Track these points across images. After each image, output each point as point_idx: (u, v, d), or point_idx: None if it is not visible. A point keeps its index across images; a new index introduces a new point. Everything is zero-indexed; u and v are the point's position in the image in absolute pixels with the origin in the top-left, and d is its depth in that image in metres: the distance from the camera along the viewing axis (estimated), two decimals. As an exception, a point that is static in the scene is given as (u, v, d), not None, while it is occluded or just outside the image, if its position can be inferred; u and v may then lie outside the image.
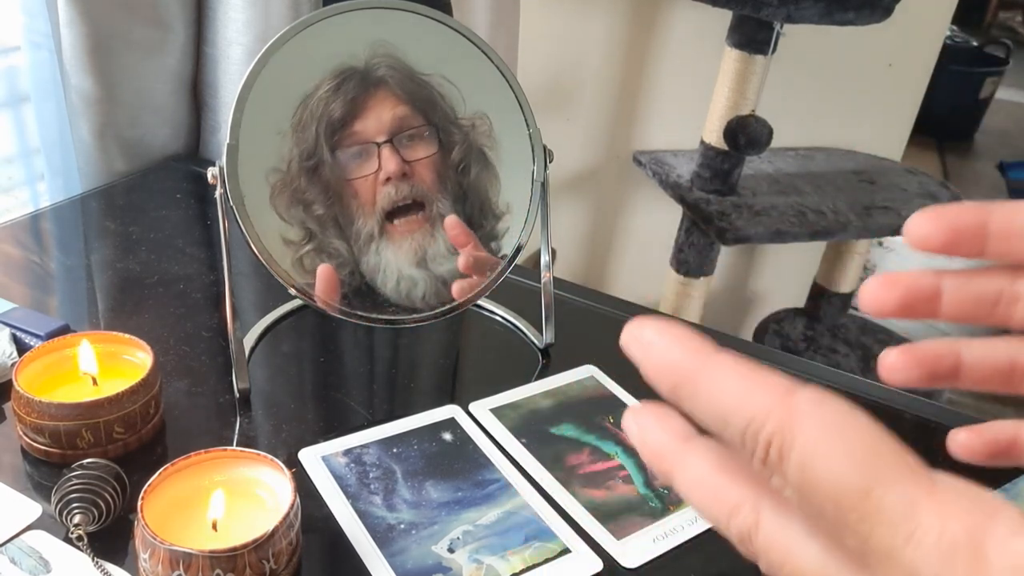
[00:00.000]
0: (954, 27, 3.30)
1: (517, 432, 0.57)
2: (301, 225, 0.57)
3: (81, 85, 0.81)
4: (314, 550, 0.47)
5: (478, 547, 0.48)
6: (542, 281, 0.65)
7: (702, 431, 0.21)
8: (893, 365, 0.27)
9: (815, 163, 1.57)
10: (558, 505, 0.52)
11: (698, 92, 1.49)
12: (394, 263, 0.58)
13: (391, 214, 0.58)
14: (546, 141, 0.63)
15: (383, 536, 0.48)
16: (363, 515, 0.49)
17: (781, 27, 1.26)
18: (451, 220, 0.59)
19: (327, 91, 0.57)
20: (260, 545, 0.41)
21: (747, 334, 1.70)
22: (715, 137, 1.37)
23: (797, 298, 1.72)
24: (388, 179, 0.58)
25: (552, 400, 0.61)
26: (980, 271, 0.26)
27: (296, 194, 0.56)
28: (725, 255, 1.65)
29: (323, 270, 0.56)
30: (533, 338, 0.67)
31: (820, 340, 1.62)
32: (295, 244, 0.57)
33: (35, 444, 0.50)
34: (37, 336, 0.58)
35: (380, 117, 0.58)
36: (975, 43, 3.51)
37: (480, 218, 0.61)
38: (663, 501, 0.53)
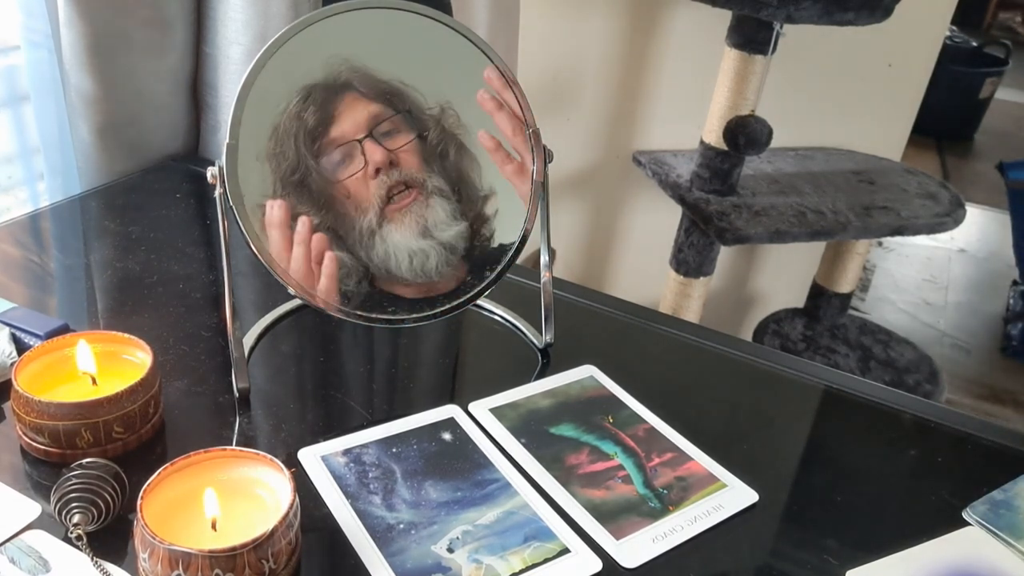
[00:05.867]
0: (954, 27, 3.30)
1: (516, 432, 0.57)
2: None
3: (81, 84, 0.81)
4: (313, 550, 0.47)
5: (477, 547, 0.48)
6: (542, 281, 0.65)
7: None
8: None
9: (815, 163, 1.57)
10: (557, 505, 0.52)
11: (698, 92, 1.49)
12: (402, 242, 0.59)
13: (386, 201, 0.59)
14: (546, 141, 0.63)
15: (382, 536, 0.48)
16: (362, 515, 0.49)
17: (781, 27, 1.26)
18: (481, 134, 0.61)
19: (295, 105, 0.57)
20: (259, 545, 0.41)
21: (747, 334, 1.70)
22: (715, 137, 1.37)
23: (797, 298, 1.72)
24: (377, 170, 0.59)
25: (552, 400, 0.61)
26: None
27: (290, 212, 0.57)
28: (725, 255, 1.66)
29: (329, 259, 0.57)
30: (533, 338, 0.67)
31: (819, 340, 1.62)
32: None
33: (34, 444, 0.50)
34: (36, 336, 0.58)
35: (354, 118, 0.59)
36: (975, 43, 3.51)
37: (467, 199, 0.61)
38: (662, 501, 0.53)
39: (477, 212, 0.62)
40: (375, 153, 0.58)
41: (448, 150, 0.61)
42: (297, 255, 0.57)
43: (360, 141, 0.59)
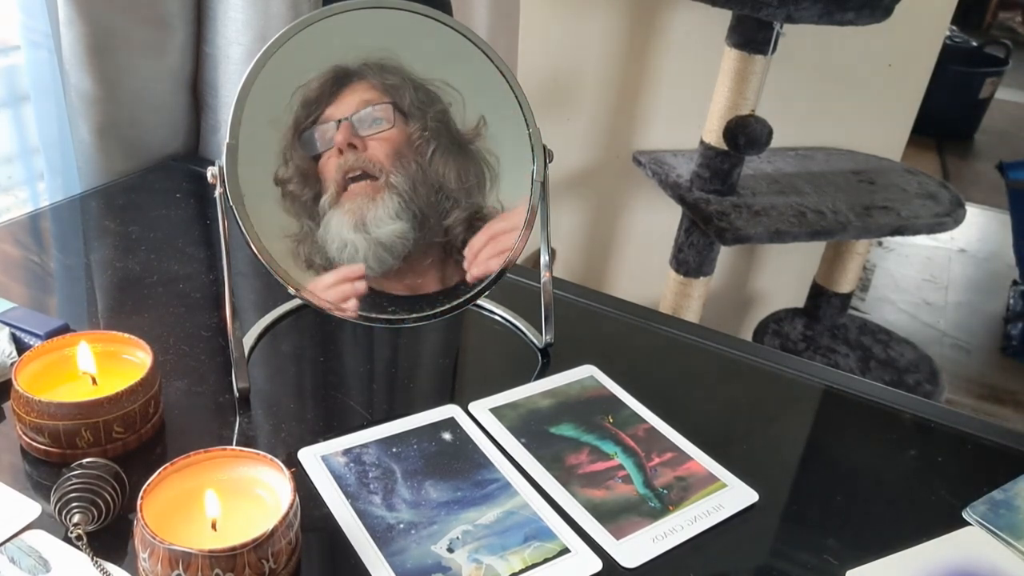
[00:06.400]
0: (954, 27, 3.31)
1: (517, 432, 0.57)
2: (296, 217, 0.57)
3: (81, 84, 0.81)
4: (313, 550, 0.47)
5: (477, 547, 0.48)
6: (542, 281, 0.65)
7: None
8: None
9: (815, 163, 1.57)
10: (557, 505, 0.52)
11: (698, 92, 1.49)
12: (336, 231, 0.59)
13: (345, 184, 0.59)
14: (546, 141, 0.63)
15: (382, 536, 0.48)
16: (362, 515, 0.49)
17: (781, 27, 1.26)
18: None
19: (311, 81, 0.58)
20: (259, 545, 0.41)
21: (747, 334, 1.70)
22: (715, 137, 1.37)
23: (797, 298, 1.72)
24: (341, 151, 0.59)
25: (552, 400, 0.61)
26: None
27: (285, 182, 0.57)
28: (725, 255, 1.66)
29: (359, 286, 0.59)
30: (533, 338, 0.67)
31: (819, 340, 1.62)
32: (294, 235, 0.57)
33: (35, 443, 0.50)
34: (36, 335, 0.58)
35: (350, 103, 0.59)
36: (975, 43, 3.51)
37: (440, 201, 0.61)
38: (662, 501, 0.53)
39: (446, 212, 0.61)
40: (339, 134, 0.59)
41: (426, 145, 0.61)
42: (342, 291, 0.58)
43: (338, 122, 0.59)
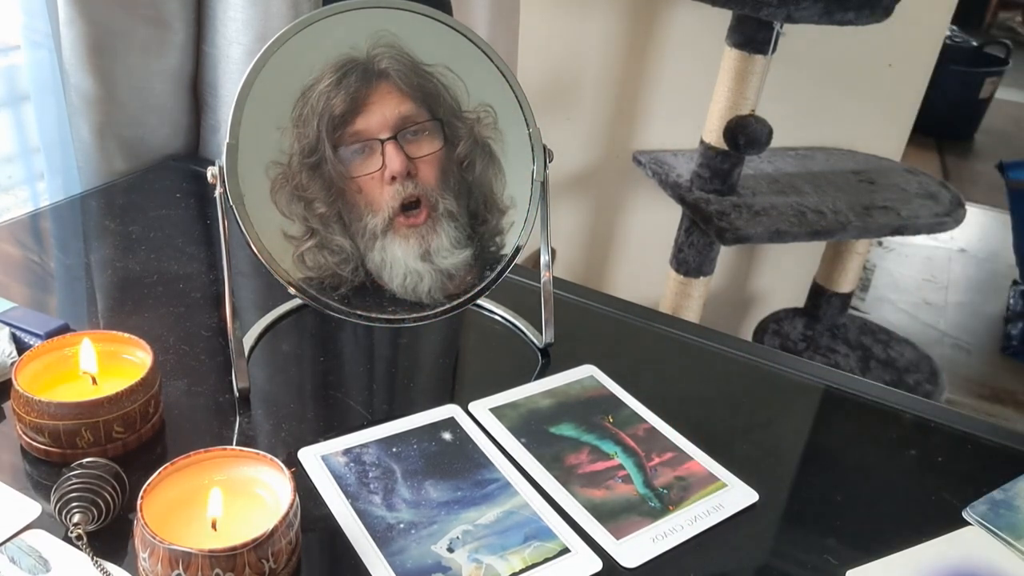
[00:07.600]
0: (954, 27, 3.30)
1: (517, 432, 0.57)
2: (303, 221, 0.57)
3: (81, 84, 0.81)
4: (313, 549, 0.47)
5: (477, 547, 0.48)
6: (542, 281, 0.65)
7: None
8: None
9: (815, 163, 1.57)
10: (557, 505, 0.52)
11: (698, 92, 1.49)
12: (401, 258, 0.59)
13: (400, 210, 0.58)
14: (546, 141, 0.63)
15: (382, 536, 0.48)
16: (362, 514, 0.49)
17: (781, 27, 1.26)
18: None
19: (328, 84, 0.57)
20: (260, 544, 0.41)
21: (747, 334, 1.70)
22: (715, 137, 1.37)
23: (797, 298, 1.72)
24: (393, 178, 0.58)
25: (552, 400, 0.61)
26: None
27: (297, 190, 0.56)
28: (725, 255, 1.66)
29: None
30: (533, 338, 0.67)
31: (819, 340, 1.62)
32: (296, 239, 0.57)
33: (35, 443, 0.50)
34: (37, 335, 0.58)
35: (384, 114, 0.58)
36: (975, 43, 3.51)
37: (485, 213, 0.61)
38: (662, 501, 0.53)
39: (492, 227, 0.61)
40: (395, 161, 0.57)
41: (475, 163, 0.60)
42: None
43: (383, 142, 0.58)
